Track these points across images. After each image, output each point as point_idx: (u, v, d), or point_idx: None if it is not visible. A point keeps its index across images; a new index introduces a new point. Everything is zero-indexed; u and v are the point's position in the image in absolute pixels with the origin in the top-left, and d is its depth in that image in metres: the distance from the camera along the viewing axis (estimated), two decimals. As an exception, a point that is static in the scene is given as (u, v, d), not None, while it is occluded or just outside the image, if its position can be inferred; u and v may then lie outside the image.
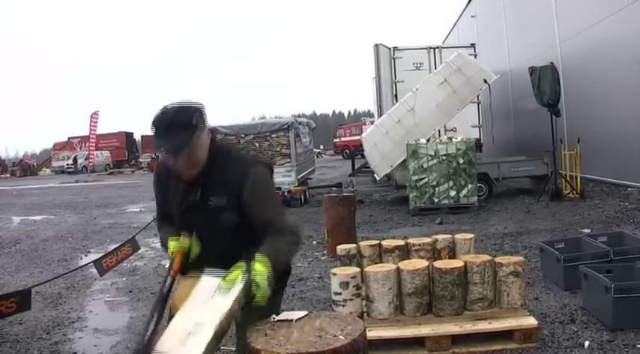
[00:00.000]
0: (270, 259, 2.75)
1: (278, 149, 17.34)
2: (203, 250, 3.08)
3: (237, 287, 2.65)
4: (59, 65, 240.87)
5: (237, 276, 2.68)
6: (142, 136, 67.47)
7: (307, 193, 18.01)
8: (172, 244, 3.04)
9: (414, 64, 18.27)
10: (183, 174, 3.00)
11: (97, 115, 51.42)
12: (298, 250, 3.09)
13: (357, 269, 5.17)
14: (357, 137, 38.51)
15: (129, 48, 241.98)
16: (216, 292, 2.69)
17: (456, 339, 4.81)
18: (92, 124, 52.24)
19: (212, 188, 3.00)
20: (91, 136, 53.69)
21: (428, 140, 14.01)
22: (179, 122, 2.86)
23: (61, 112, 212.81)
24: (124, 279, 8.78)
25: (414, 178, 13.52)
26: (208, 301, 2.68)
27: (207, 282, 2.77)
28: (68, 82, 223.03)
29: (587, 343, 4.89)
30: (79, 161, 56.79)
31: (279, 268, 2.85)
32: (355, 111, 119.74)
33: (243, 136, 17.10)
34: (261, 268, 2.71)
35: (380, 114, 16.99)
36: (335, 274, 5.00)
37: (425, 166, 13.43)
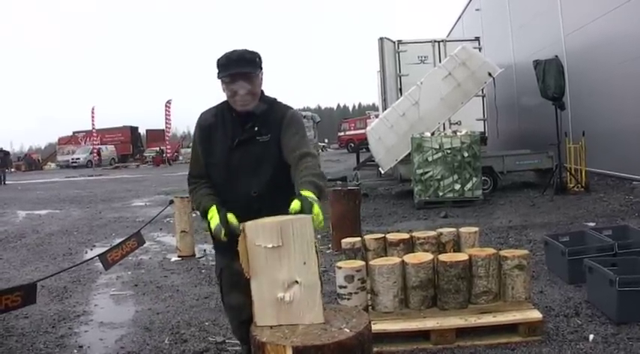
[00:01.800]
0: (315, 185, 2.99)
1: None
2: (242, 190, 3.33)
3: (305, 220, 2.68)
4: (65, 59, 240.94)
5: (297, 206, 2.79)
6: (147, 131, 67.59)
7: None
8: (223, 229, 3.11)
9: (418, 57, 18.23)
10: (242, 104, 3.35)
11: (94, 110, 51.67)
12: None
13: (362, 263, 5.17)
14: (362, 131, 38.53)
15: (133, 41, 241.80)
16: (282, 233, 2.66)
17: (461, 332, 4.82)
18: (93, 118, 52.53)
19: (260, 126, 3.37)
20: (92, 130, 53.92)
21: (432, 134, 14.00)
22: (248, 58, 3.33)
23: (66, 106, 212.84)
24: (129, 273, 8.80)
25: (419, 171, 13.51)
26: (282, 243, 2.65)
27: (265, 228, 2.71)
28: (73, 76, 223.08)
29: (591, 337, 4.89)
30: (84, 155, 56.94)
31: (322, 189, 3.06)
32: (360, 104, 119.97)
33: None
34: (312, 195, 2.88)
35: (384, 107, 16.99)
36: (340, 268, 5.01)
37: (429, 159, 13.42)
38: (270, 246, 2.61)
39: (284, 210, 2.81)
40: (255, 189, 3.32)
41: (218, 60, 3.33)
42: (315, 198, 2.86)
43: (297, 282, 2.61)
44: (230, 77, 3.28)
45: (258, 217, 2.85)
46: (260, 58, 3.40)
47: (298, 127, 3.41)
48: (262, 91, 3.46)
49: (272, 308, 2.62)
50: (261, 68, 3.41)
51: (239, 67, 3.27)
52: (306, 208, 2.74)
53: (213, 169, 3.45)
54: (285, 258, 2.61)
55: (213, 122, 3.48)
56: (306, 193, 2.87)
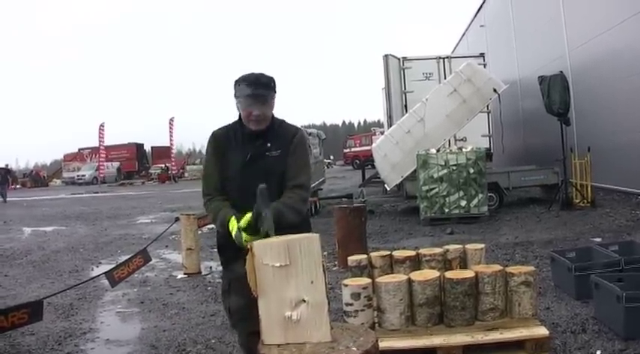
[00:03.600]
0: (279, 212, 3.35)
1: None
2: (253, 198, 3.36)
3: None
4: (71, 75, 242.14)
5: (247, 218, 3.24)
6: (152, 147, 67.69)
7: (318, 203, 17.99)
8: (244, 236, 3.27)
9: (423, 74, 18.26)
10: (256, 124, 3.61)
11: (104, 126, 51.78)
12: (306, 205, 3.75)
13: (368, 280, 5.16)
14: (367, 147, 38.54)
15: (138, 58, 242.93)
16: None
17: (468, 349, 4.80)
18: (100, 135, 52.65)
19: (271, 142, 3.66)
20: (100, 147, 54.06)
21: (438, 150, 14.00)
22: (265, 81, 3.58)
23: (71, 123, 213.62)
24: (135, 290, 8.80)
25: (425, 188, 13.51)
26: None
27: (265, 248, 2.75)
28: (80, 92, 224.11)
29: (598, 353, 4.87)
30: (90, 172, 57.02)
31: (283, 217, 3.36)
32: (365, 121, 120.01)
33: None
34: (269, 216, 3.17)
35: (390, 124, 17.00)
36: (346, 285, 4.99)
37: (435, 176, 13.42)
38: (278, 265, 2.62)
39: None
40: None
41: (236, 81, 3.59)
42: (270, 219, 3.12)
43: (304, 301, 2.61)
44: (246, 98, 3.53)
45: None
46: (275, 83, 3.64)
47: (303, 153, 3.76)
48: (273, 113, 3.71)
49: (279, 327, 2.62)
50: (275, 91, 3.65)
51: (256, 89, 3.51)
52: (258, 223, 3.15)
53: (228, 184, 3.70)
54: (292, 277, 2.62)
55: (226, 139, 3.74)
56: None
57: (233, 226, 3.36)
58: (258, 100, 3.53)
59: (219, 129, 3.85)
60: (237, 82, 3.58)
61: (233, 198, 3.65)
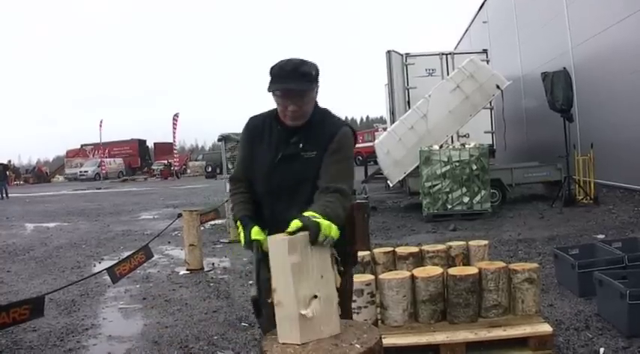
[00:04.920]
0: (325, 213, 2.77)
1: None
2: (281, 215, 2.99)
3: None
4: (74, 71, 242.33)
5: (296, 224, 2.63)
6: (154, 144, 67.74)
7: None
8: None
9: (426, 70, 18.22)
10: (292, 120, 3.13)
11: (102, 123, 51.83)
12: (345, 212, 3.05)
13: (372, 276, 5.16)
14: (370, 144, 38.46)
15: (141, 53, 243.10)
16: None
17: (471, 346, 4.79)
18: (101, 131, 52.69)
19: (306, 142, 3.14)
20: (100, 143, 54.12)
21: (441, 146, 13.97)
22: (304, 71, 3.05)
23: (74, 119, 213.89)
24: (137, 286, 8.80)
25: (427, 184, 13.49)
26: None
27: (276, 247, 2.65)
28: (83, 88, 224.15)
29: (602, 350, 4.86)
30: (92, 168, 57.06)
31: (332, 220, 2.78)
32: (368, 117, 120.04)
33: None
34: (315, 214, 2.73)
35: (392, 120, 16.97)
36: (349, 281, 4.99)
37: (438, 172, 13.40)
38: (291, 263, 2.58)
39: None
40: (298, 201, 3.06)
41: (271, 69, 3.10)
42: (319, 216, 2.71)
43: (315, 296, 2.59)
44: (281, 92, 3.06)
45: None
46: (317, 71, 3.14)
47: (344, 154, 3.14)
48: (316, 103, 3.24)
49: (294, 325, 2.59)
50: (317, 82, 3.15)
51: (292, 82, 3.01)
52: (309, 225, 2.62)
53: (255, 181, 3.28)
54: (304, 273, 2.59)
55: (260, 129, 3.29)
56: (309, 213, 2.74)
57: (240, 232, 3.14)
58: (294, 94, 3.04)
59: (255, 117, 3.38)
60: (272, 71, 3.09)
61: (260, 198, 3.27)
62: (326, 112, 3.29)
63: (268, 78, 3.08)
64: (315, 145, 3.12)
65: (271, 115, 3.27)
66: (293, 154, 3.14)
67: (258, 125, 3.31)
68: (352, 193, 3.29)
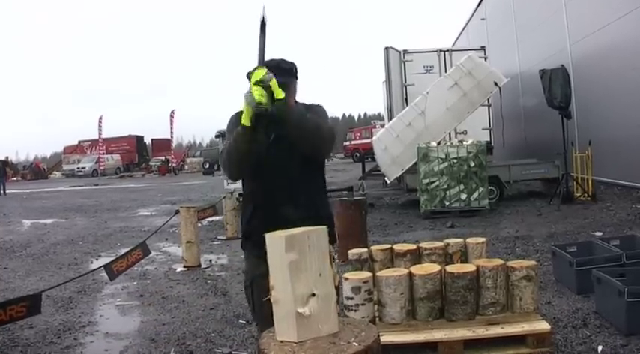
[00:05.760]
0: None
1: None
2: (274, 183, 3.46)
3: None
4: (72, 68, 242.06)
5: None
6: (152, 140, 67.67)
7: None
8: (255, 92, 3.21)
9: (424, 67, 18.19)
10: None
11: (102, 119, 51.81)
12: (326, 141, 3.47)
13: (369, 274, 5.14)
14: (368, 140, 38.55)
15: (139, 50, 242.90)
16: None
17: (469, 343, 4.77)
18: (100, 127, 52.69)
19: None
20: (99, 139, 54.08)
21: (438, 143, 13.97)
22: (285, 67, 3.48)
23: (72, 115, 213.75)
24: (134, 283, 8.79)
25: (425, 181, 13.49)
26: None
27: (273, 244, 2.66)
28: (81, 84, 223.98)
29: (600, 348, 4.86)
30: (90, 164, 57.00)
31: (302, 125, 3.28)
32: (365, 114, 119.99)
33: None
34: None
35: (390, 117, 16.96)
36: (347, 279, 4.97)
37: (436, 169, 13.40)
38: (289, 260, 2.58)
39: (314, 209, 3.40)
40: (288, 178, 3.46)
41: (250, 71, 3.34)
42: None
43: (313, 294, 2.58)
44: None
45: (291, 216, 3.18)
46: (296, 69, 3.58)
47: (323, 115, 3.57)
48: (295, 100, 3.57)
49: (291, 322, 2.58)
50: (297, 78, 3.59)
51: (278, 76, 3.28)
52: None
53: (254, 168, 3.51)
54: (302, 271, 2.58)
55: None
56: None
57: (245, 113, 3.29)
58: (280, 86, 3.28)
59: (240, 112, 3.50)
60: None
61: (260, 179, 3.51)
62: (304, 103, 3.66)
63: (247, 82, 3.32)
64: None
65: None
66: (284, 134, 3.37)
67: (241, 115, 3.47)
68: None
